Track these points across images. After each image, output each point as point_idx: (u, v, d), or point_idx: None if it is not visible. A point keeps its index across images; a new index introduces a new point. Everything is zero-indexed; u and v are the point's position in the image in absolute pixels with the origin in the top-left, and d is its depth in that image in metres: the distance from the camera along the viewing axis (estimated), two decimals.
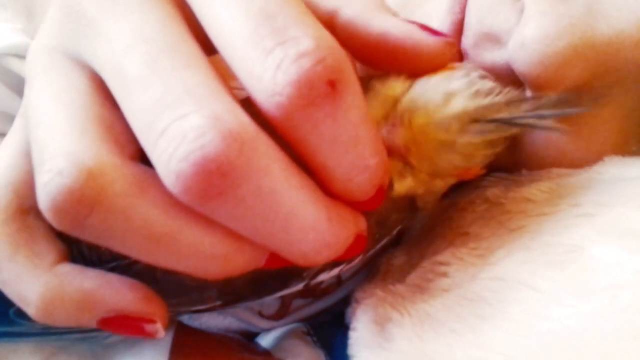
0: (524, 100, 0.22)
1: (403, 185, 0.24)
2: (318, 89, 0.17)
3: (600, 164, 0.27)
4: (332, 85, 0.17)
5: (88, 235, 0.18)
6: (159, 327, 0.21)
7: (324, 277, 0.25)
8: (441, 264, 0.26)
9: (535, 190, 0.26)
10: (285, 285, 0.25)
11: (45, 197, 0.18)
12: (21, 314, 0.24)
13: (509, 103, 0.22)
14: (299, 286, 0.25)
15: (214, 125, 0.16)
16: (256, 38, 0.17)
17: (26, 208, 0.21)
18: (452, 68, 0.23)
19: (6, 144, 0.22)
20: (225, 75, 0.19)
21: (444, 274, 0.25)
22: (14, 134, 0.22)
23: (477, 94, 0.22)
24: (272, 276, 0.21)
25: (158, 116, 0.17)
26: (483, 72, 0.23)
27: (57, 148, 0.18)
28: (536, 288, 0.21)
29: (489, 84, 0.22)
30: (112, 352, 0.29)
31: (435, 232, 0.28)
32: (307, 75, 0.17)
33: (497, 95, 0.22)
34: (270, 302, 0.34)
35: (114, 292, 0.21)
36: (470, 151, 0.23)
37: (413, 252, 0.29)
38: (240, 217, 0.18)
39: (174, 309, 0.25)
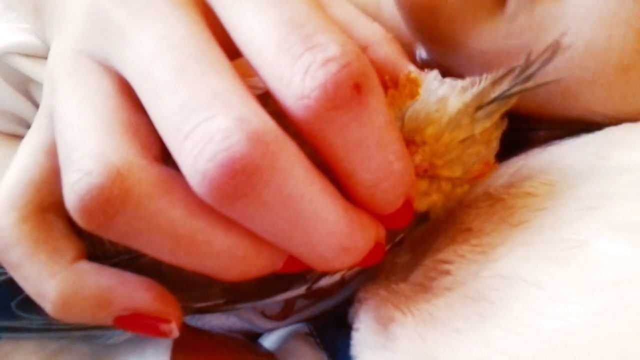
0: (503, 75, 0.23)
1: (424, 203, 0.24)
2: (344, 92, 0.17)
3: (606, 143, 0.26)
4: (358, 88, 0.18)
5: (113, 234, 0.18)
6: (173, 327, 0.22)
7: (325, 282, 0.25)
8: (444, 262, 0.25)
9: (537, 183, 0.25)
10: (288, 287, 0.25)
11: (73, 196, 0.18)
12: (23, 308, 0.25)
13: (494, 83, 0.23)
14: (302, 289, 0.25)
15: (240, 127, 0.17)
16: (285, 45, 0.18)
17: (47, 205, 0.22)
18: (417, 83, 0.24)
19: (27, 143, 0.23)
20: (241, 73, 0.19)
21: (447, 272, 0.25)
22: (35, 133, 0.23)
23: (463, 89, 0.23)
24: (276, 277, 0.21)
25: (185, 118, 0.17)
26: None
27: (85, 149, 0.18)
28: (539, 285, 0.21)
29: (465, 80, 0.23)
30: (114, 352, 0.29)
31: (438, 229, 0.28)
32: (334, 79, 0.17)
33: (479, 83, 0.23)
34: (274, 302, 0.33)
35: (130, 290, 0.21)
36: (487, 137, 0.23)
37: (417, 250, 0.29)
38: (262, 219, 0.18)
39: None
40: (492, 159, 0.24)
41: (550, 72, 0.26)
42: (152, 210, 0.18)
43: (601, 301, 0.20)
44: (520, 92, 0.23)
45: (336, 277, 0.25)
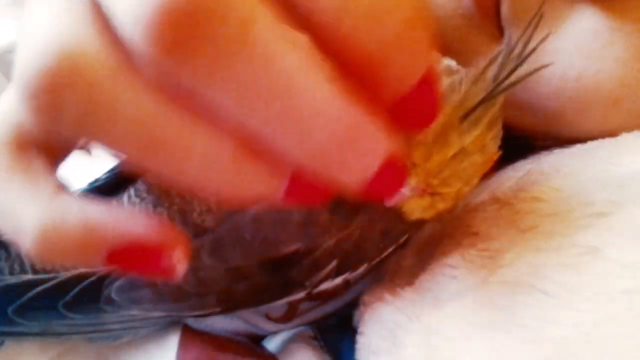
0: (484, 69, 0.22)
1: (430, 213, 0.24)
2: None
3: (616, 149, 0.26)
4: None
5: (66, 121, 0.16)
6: (178, 258, 0.18)
7: (327, 285, 0.24)
8: (450, 266, 0.25)
9: (546, 187, 0.25)
10: (285, 294, 0.24)
11: (21, 81, 0.16)
12: (20, 314, 0.24)
13: (475, 81, 0.21)
14: (301, 294, 0.24)
15: None
16: None
17: (27, 143, 0.20)
18: None
19: (10, 88, 0.20)
20: None
21: (454, 277, 0.25)
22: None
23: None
24: (272, 285, 0.21)
25: None
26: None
27: (38, 34, 0.16)
28: (549, 292, 0.21)
29: (444, 82, 0.21)
30: (118, 355, 0.29)
31: (443, 233, 0.28)
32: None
33: (459, 85, 0.21)
34: (278, 305, 0.33)
35: (124, 218, 0.18)
36: (480, 143, 0.22)
37: (422, 253, 0.29)
38: (226, 84, 0.15)
39: (172, 314, 0.24)
40: (494, 154, 0.23)
41: (543, 100, 0.26)
42: (110, 90, 0.15)
43: (610, 310, 0.19)
44: (505, 90, 0.21)
45: (337, 282, 0.25)
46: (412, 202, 0.23)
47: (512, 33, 0.26)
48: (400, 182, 0.17)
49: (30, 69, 0.15)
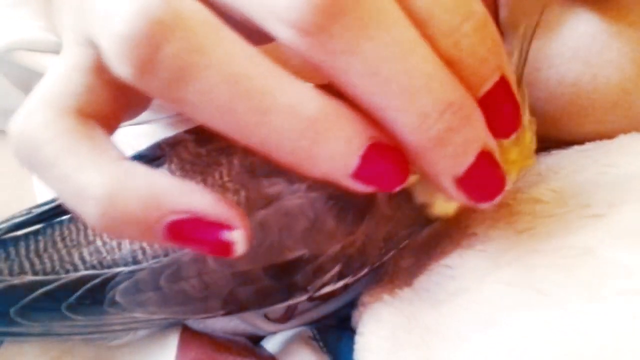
0: None
1: (452, 207, 0.24)
2: None
3: (612, 151, 0.26)
4: None
5: (162, 72, 0.16)
6: (238, 236, 0.17)
7: (328, 289, 0.25)
8: (448, 266, 0.25)
9: (544, 190, 0.25)
10: (288, 298, 0.24)
11: (117, 32, 0.16)
12: (22, 315, 0.24)
13: None
14: (303, 297, 0.24)
15: None
16: None
17: (87, 113, 0.19)
18: None
19: (57, 63, 0.20)
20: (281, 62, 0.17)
21: (452, 277, 0.25)
22: (64, 54, 0.20)
23: None
24: (276, 289, 0.21)
25: None
26: None
27: None
28: (546, 293, 0.21)
29: None
30: (117, 354, 0.29)
31: (442, 233, 0.28)
32: None
33: None
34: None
35: (187, 190, 0.18)
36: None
37: (420, 254, 0.29)
38: (349, 50, 0.15)
39: (176, 316, 0.24)
40: None
41: (541, 104, 0.27)
42: (206, 39, 0.15)
43: (607, 311, 0.20)
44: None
45: (339, 285, 0.25)
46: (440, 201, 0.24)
47: (511, 38, 0.26)
48: (498, 187, 0.17)
49: (129, 18, 0.15)
